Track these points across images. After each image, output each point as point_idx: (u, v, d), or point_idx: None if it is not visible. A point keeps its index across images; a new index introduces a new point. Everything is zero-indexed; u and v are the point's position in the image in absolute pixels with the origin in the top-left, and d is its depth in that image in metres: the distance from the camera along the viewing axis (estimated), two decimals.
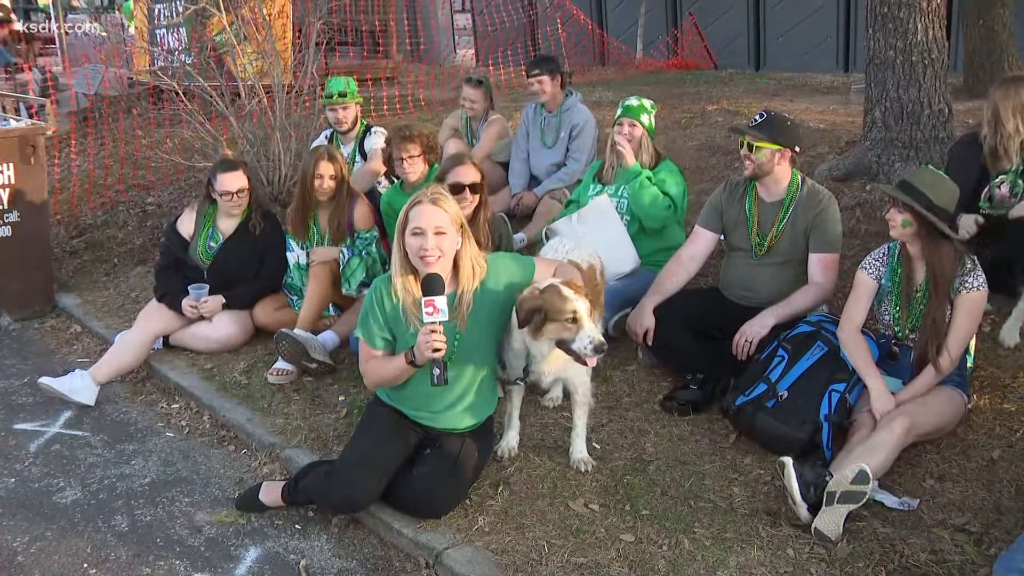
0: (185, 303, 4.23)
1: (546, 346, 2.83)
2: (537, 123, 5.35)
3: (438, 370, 2.68)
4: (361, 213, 4.30)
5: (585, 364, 2.81)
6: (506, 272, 2.95)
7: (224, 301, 4.28)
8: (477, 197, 3.71)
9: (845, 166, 5.06)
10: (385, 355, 2.90)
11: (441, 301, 2.65)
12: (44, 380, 3.99)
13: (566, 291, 2.77)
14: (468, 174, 3.69)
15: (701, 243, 3.76)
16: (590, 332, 2.75)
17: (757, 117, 3.52)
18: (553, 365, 2.93)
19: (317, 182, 4.19)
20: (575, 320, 2.74)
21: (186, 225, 4.41)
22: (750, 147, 3.45)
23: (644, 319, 3.58)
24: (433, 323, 2.66)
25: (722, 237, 3.76)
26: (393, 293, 2.83)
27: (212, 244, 4.35)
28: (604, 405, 3.46)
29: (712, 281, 4.05)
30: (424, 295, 2.68)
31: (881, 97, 4.81)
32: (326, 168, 4.19)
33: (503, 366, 3.07)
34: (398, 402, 2.98)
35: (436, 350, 2.65)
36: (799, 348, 3.20)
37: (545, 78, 5.19)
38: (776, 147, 3.43)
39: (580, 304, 2.75)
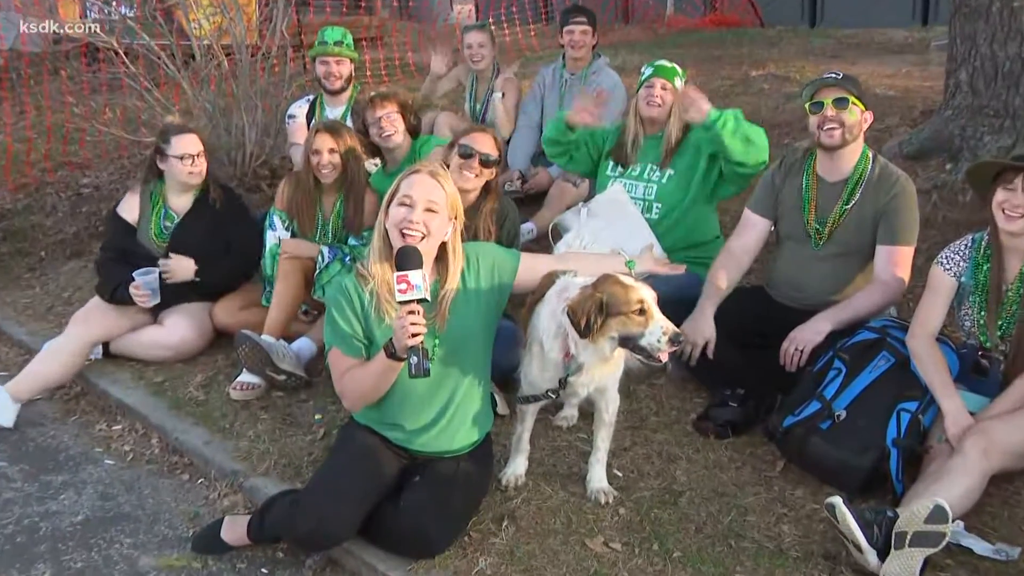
0: (132, 290, 4.17)
1: (607, 348, 2.84)
2: (556, 87, 5.29)
3: (416, 358, 2.59)
4: (371, 205, 4.23)
5: (659, 361, 2.80)
6: (488, 260, 3.01)
7: (195, 267, 4.27)
8: (485, 174, 3.75)
9: (919, 141, 5.03)
10: (363, 362, 2.90)
11: (416, 276, 2.59)
12: None
13: (625, 279, 2.83)
14: (484, 142, 3.73)
15: (753, 232, 3.75)
16: (662, 322, 2.77)
17: (833, 75, 3.50)
18: (597, 374, 2.95)
19: (315, 159, 4.20)
20: (643, 311, 2.77)
21: (130, 210, 4.43)
22: (837, 104, 3.41)
23: (704, 327, 3.53)
24: (408, 301, 2.60)
25: (772, 226, 3.78)
26: (364, 283, 2.86)
27: (167, 224, 4.37)
28: (627, 426, 3.49)
29: (756, 279, 4.07)
30: (397, 270, 2.64)
31: (970, 55, 4.73)
32: (323, 141, 4.18)
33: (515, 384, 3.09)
34: (377, 426, 3.00)
35: (414, 335, 2.59)
36: (860, 359, 3.22)
37: (588, 28, 5.17)
38: (863, 107, 3.46)
39: (646, 292, 2.80)
